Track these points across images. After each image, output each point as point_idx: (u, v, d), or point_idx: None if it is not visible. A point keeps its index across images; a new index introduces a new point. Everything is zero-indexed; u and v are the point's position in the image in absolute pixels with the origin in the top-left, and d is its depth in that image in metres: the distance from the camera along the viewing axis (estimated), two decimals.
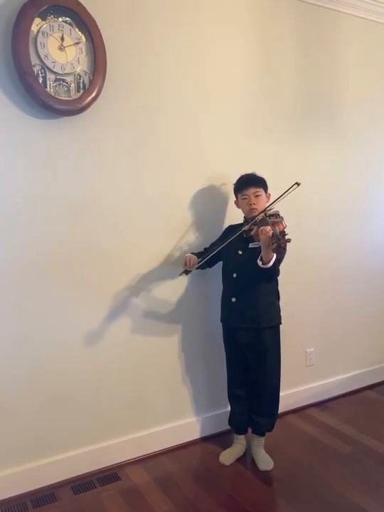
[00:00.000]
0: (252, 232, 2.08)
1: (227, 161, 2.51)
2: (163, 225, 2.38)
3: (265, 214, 2.09)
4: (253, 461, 2.36)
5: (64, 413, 2.20)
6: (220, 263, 2.36)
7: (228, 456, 2.38)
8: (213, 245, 2.35)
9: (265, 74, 2.62)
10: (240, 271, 2.25)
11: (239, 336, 2.30)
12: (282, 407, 2.52)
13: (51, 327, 2.14)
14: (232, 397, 2.44)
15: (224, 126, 2.50)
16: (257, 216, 2.11)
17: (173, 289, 2.45)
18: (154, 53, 2.27)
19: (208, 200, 2.49)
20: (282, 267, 2.18)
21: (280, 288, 2.34)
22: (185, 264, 2.27)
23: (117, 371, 2.32)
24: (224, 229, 2.45)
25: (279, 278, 2.27)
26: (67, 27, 1.99)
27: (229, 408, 2.48)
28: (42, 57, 1.94)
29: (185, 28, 2.34)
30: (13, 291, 2.05)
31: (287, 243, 1.86)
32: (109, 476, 2.27)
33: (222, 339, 2.42)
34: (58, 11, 1.97)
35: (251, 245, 2.18)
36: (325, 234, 2.95)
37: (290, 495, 2.11)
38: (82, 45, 2.03)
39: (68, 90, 2.02)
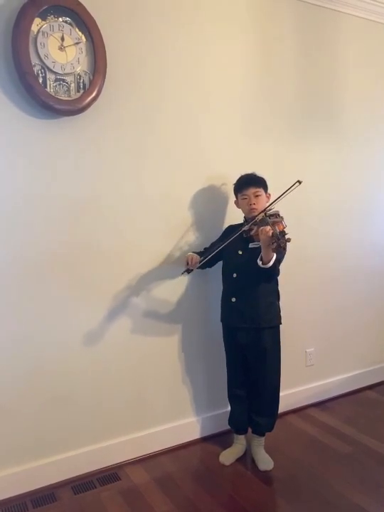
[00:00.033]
0: (252, 232, 2.08)
1: (227, 161, 2.51)
2: (163, 225, 2.38)
3: (265, 214, 2.09)
4: (253, 461, 2.36)
5: (64, 413, 2.20)
6: (220, 263, 2.36)
7: (228, 456, 2.38)
8: (213, 245, 2.35)
9: (265, 74, 2.62)
10: (239, 271, 2.25)
11: (239, 336, 2.30)
12: (282, 407, 2.52)
13: (51, 327, 2.14)
14: (232, 397, 2.44)
15: (224, 126, 2.50)
16: (257, 216, 2.11)
17: (173, 289, 2.45)
18: (154, 53, 2.27)
19: (207, 200, 2.49)
20: (282, 266, 2.18)
21: (280, 288, 2.34)
22: (187, 263, 2.27)
23: (117, 371, 2.32)
24: (224, 229, 2.45)
25: (279, 278, 2.27)
26: (67, 27, 1.99)
27: (229, 408, 2.48)
28: (42, 57, 1.94)
29: (185, 28, 2.34)
30: (13, 291, 2.05)
31: (287, 243, 1.86)
32: (109, 476, 2.27)
33: (222, 339, 2.42)
34: (58, 10, 1.97)
35: (251, 245, 2.18)
36: (325, 234, 2.95)
37: (290, 495, 2.11)
38: (82, 45, 2.03)
39: (68, 90, 2.02)
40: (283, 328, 2.35)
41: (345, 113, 2.95)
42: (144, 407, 2.42)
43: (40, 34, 1.93)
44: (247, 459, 2.40)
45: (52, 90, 1.98)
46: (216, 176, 2.50)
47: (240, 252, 2.24)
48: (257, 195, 2.23)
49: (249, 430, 2.43)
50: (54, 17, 1.97)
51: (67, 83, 2.02)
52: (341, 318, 3.09)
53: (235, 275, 2.26)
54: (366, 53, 3.00)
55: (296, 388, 2.92)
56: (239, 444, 2.43)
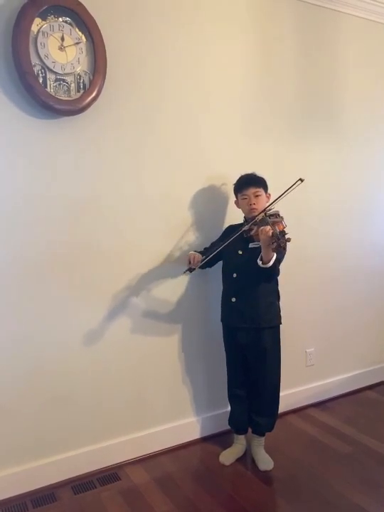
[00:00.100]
0: (252, 232, 2.08)
1: (227, 161, 2.51)
2: (163, 225, 2.38)
3: (265, 214, 2.09)
4: (253, 461, 2.36)
5: (64, 413, 2.20)
6: (220, 263, 2.36)
7: (228, 456, 2.38)
8: (213, 245, 2.35)
9: (265, 74, 2.62)
10: (239, 271, 2.25)
11: (239, 336, 2.30)
12: (282, 407, 2.52)
13: (51, 327, 2.14)
14: (232, 397, 2.44)
15: (224, 126, 2.50)
16: (257, 216, 2.11)
17: (173, 289, 2.45)
18: (154, 53, 2.27)
19: (207, 200, 2.49)
20: (282, 266, 2.18)
21: (280, 288, 2.34)
22: (189, 262, 2.27)
23: (117, 371, 2.32)
24: (224, 229, 2.45)
25: (279, 278, 2.27)
26: (67, 27, 1.99)
27: (229, 408, 2.48)
28: (42, 57, 1.94)
29: (185, 28, 2.34)
30: (13, 291, 2.05)
31: (287, 243, 1.86)
32: (109, 476, 2.27)
33: (223, 339, 2.42)
34: (58, 11, 1.97)
35: (251, 245, 2.19)
36: (325, 234, 2.95)
37: (290, 495, 2.11)
38: (83, 45, 2.03)
39: (68, 90, 2.02)
40: (283, 328, 2.35)
41: (345, 113, 2.95)
42: (144, 407, 2.42)
43: (41, 34, 1.93)
44: (247, 459, 2.40)
45: (52, 90, 1.98)
46: (216, 175, 2.50)
47: (240, 252, 2.24)
48: (257, 195, 2.23)
49: (249, 430, 2.43)
50: (54, 17, 1.97)
51: (67, 83, 2.02)
52: (341, 318, 3.09)
53: (235, 275, 2.26)
54: (366, 53, 3.00)
55: (296, 388, 2.92)
56: (239, 444, 2.43)
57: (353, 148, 3.01)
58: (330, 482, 2.19)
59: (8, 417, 2.08)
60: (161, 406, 2.47)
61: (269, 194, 2.29)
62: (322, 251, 2.94)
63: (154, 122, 2.30)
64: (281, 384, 2.36)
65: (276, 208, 2.14)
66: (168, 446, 2.48)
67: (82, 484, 2.20)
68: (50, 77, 1.98)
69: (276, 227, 1.93)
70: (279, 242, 1.84)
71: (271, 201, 2.17)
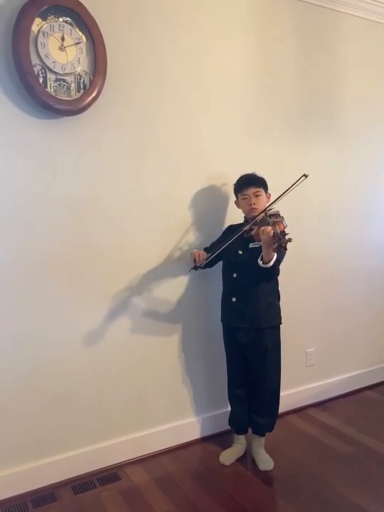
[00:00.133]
0: (253, 232, 2.08)
1: (227, 161, 2.51)
2: (163, 225, 2.38)
3: (265, 214, 2.09)
4: (253, 461, 2.36)
5: (64, 413, 2.20)
6: (220, 263, 2.36)
7: (228, 456, 2.38)
8: (214, 245, 2.35)
9: (265, 74, 2.62)
10: (240, 271, 2.25)
11: (239, 336, 2.30)
12: (282, 407, 2.52)
13: (51, 327, 2.14)
14: (232, 397, 2.44)
15: (224, 126, 2.50)
16: (257, 216, 2.11)
17: (173, 288, 2.45)
18: (154, 53, 2.27)
19: (208, 200, 2.49)
20: (282, 266, 2.18)
21: (280, 288, 2.34)
22: (195, 260, 2.26)
23: (117, 371, 2.32)
24: (224, 229, 2.45)
25: (279, 278, 2.27)
26: (67, 27, 1.99)
27: (229, 408, 2.48)
28: (42, 57, 1.94)
29: (185, 28, 2.34)
30: (13, 291, 2.05)
31: (288, 243, 1.86)
32: (109, 476, 2.27)
33: (223, 339, 2.42)
34: (59, 11, 1.97)
35: (251, 245, 2.18)
36: (325, 234, 2.95)
37: (290, 495, 2.11)
38: (83, 45, 2.03)
39: (68, 90, 2.02)
40: (283, 328, 2.35)
41: (345, 113, 2.95)
42: (144, 407, 2.42)
43: (41, 34, 1.93)
44: (247, 459, 2.40)
45: (52, 90, 1.98)
46: (216, 175, 2.50)
47: (240, 252, 2.24)
48: (257, 195, 2.23)
49: (250, 430, 2.43)
50: (54, 17, 1.97)
51: (67, 83, 2.02)
52: (341, 318, 3.09)
53: (235, 275, 2.26)
54: (366, 53, 3.00)
55: (297, 388, 2.92)
56: (239, 444, 2.43)
57: (353, 148, 3.01)
58: (330, 482, 2.19)
59: (8, 417, 2.08)
60: (161, 406, 2.47)
61: (269, 194, 2.29)
62: (322, 251, 2.94)
63: (154, 122, 2.30)
64: (281, 384, 2.36)
65: (276, 207, 2.14)
66: (168, 446, 2.48)
67: (82, 484, 2.20)
68: (51, 77, 1.98)
69: (277, 227, 1.93)
70: (280, 242, 1.84)
71: (276, 197, 2.14)
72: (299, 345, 2.91)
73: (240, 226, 2.22)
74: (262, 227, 1.96)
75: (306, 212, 2.84)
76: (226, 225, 2.47)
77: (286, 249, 1.90)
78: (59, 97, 1.99)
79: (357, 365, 3.20)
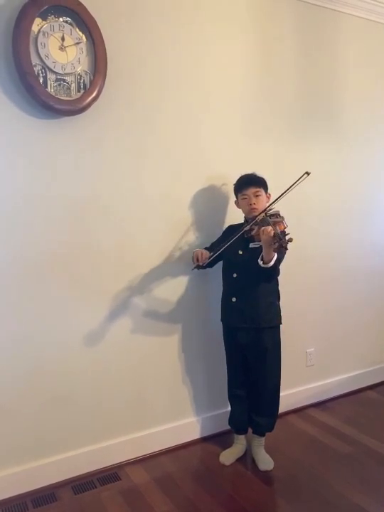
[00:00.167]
0: (253, 232, 2.08)
1: (227, 161, 2.51)
2: (163, 225, 2.38)
3: (266, 214, 2.09)
4: (253, 461, 2.36)
5: (64, 413, 2.20)
6: (220, 263, 2.36)
7: (228, 456, 2.38)
8: (214, 245, 2.35)
9: (265, 74, 2.62)
10: (240, 271, 2.25)
11: (239, 336, 2.30)
12: (282, 407, 2.52)
13: (51, 327, 2.14)
14: (232, 397, 2.44)
15: (224, 126, 2.50)
16: (257, 216, 2.11)
17: (174, 288, 2.45)
18: (154, 53, 2.27)
19: (208, 200, 2.49)
20: (282, 266, 2.18)
21: (280, 288, 2.34)
22: (197, 259, 2.26)
23: (117, 371, 2.32)
24: (224, 229, 2.45)
25: (279, 278, 2.27)
26: (67, 27, 1.99)
27: (229, 408, 2.48)
28: (42, 57, 1.94)
29: (185, 28, 2.34)
30: (13, 291, 2.05)
31: (289, 243, 1.86)
32: (109, 476, 2.27)
33: (223, 339, 2.42)
34: (59, 10, 1.97)
35: (251, 245, 2.18)
36: (325, 234, 2.95)
37: (290, 495, 2.11)
38: (83, 45, 2.03)
39: (69, 90, 2.02)
40: (283, 328, 2.35)
41: (345, 113, 2.95)
42: (144, 407, 2.42)
43: (41, 34, 1.93)
44: (247, 459, 2.40)
45: (52, 90, 1.98)
46: (216, 175, 2.50)
47: (241, 252, 2.24)
48: (257, 195, 2.23)
49: (250, 430, 2.43)
50: (54, 17, 1.97)
51: (67, 83, 2.02)
52: (341, 318, 3.09)
53: (235, 275, 2.26)
54: (366, 53, 3.00)
55: (297, 388, 2.92)
56: (239, 444, 2.43)
57: (353, 148, 3.01)
58: (330, 482, 2.19)
59: (8, 417, 2.08)
60: (161, 406, 2.47)
61: (269, 194, 2.29)
62: (322, 251, 2.94)
63: (154, 122, 2.30)
64: (281, 384, 2.36)
65: (276, 207, 2.14)
66: (168, 446, 2.48)
67: (82, 484, 2.20)
68: (51, 77, 1.98)
69: (278, 227, 1.93)
70: (281, 242, 1.84)
71: (278, 195, 2.14)
72: (299, 345, 2.91)
73: (240, 226, 2.22)
74: (263, 227, 1.96)
75: (306, 212, 2.84)
76: (226, 225, 2.47)
77: (286, 249, 1.90)
78: (59, 97, 1.99)
79: (357, 365, 3.20)
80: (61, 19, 1.98)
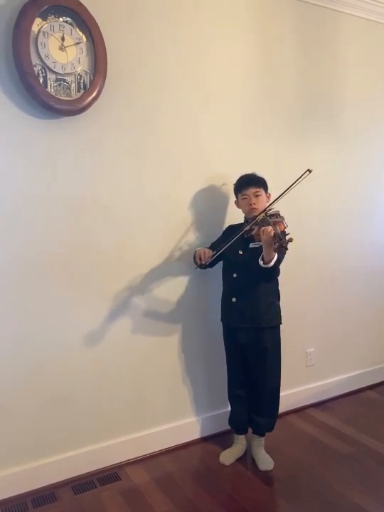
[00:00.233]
0: (253, 232, 2.08)
1: (227, 161, 2.51)
2: (163, 225, 2.38)
3: (266, 214, 2.09)
4: (253, 461, 2.36)
5: (64, 413, 2.20)
6: (220, 263, 2.36)
7: (228, 456, 2.38)
8: (214, 245, 2.35)
9: (265, 74, 2.62)
10: (240, 271, 2.25)
11: (239, 336, 2.30)
12: (282, 407, 2.52)
13: (51, 327, 2.14)
14: (232, 397, 2.44)
15: (224, 126, 2.50)
16: (257, 216, 2.11)
17: (174, 288, 2.45)
18: (154, 53, 2.27)
19: (208, 200, 2.49)
20: (282, 266, 2.18)
21: (280, 288, 2.34)
22: (200, 258, 2.25)
23: (117, 371, 2.32)
24: (224, 229, 2.45)
25: (279, 278, 2.27)
26: (67, 27, 1.99)
27: (229, 408, 2.48)
28: (43, 57, 1.94)
29: (185, 28, 2.34)
30: (13, 291, 2.05)
31: (289, 243, 1.86)
32: (109, 476, 2.27)
33: (223, 339, 2.42)
34: (59, 10, 1.97)
35: (251, 245, 2.18)
36: (325, 234, 2.95)
37: (290, 495, 2.11)
38: (83, 45, 2.03)
39: (69, 90, 2.02)
40: (283, 328, 2.35)
41: (345, 113, 2.95)
42: (144, 407, 2.42)
43: (41, 34, 1.93)
44: (247, 459, 2.40)
45: (52, 90, 1.98)
46: (216, 175, 2.50)
47: (241, 252, 2.24)
48: (257, 195, 2.23)
49: (250, 430, 2.43)
50: (54, 17, 1.97)
51: (67, 83, 2.02)
52: (341, 318, 3.09)
53: (235, 275, 2.26)
54: (366, 53, 3.00)
55: (297, 388, 2.92)
56: (239, 444, 2.43)
57: (353, 148, 3.01)
58: (330, 482, 2.19)
59: (8, 417, 2.08)
60: (161, 406, 2.47)
61: (269, 194, 2.29)
62: (322, 251, 2.94)
63: (154, 122, 2.30)
64: (281, 384, 2.36)
65: (276, 207, 2.14)
66: (168, 446, 2.48)
67: (82, 484, 2.20)
68: (51, 77, 1.98)
69: (278, 227, 1.93)
70: (281, 242, 1.85)
71: (280, 193, 2.13)
72: (299, 345, 2.91)
73: (240, 226, 2.22)
74: (263, 227, 1.96)
75: (306, 212, 2.84)
76: (226, 225, 2.47)
77: (287, 249, 1.90)
78: (59, 97, 1.99)
79: (357, 365, 3.20)
80: (61, 19, 1.98)
